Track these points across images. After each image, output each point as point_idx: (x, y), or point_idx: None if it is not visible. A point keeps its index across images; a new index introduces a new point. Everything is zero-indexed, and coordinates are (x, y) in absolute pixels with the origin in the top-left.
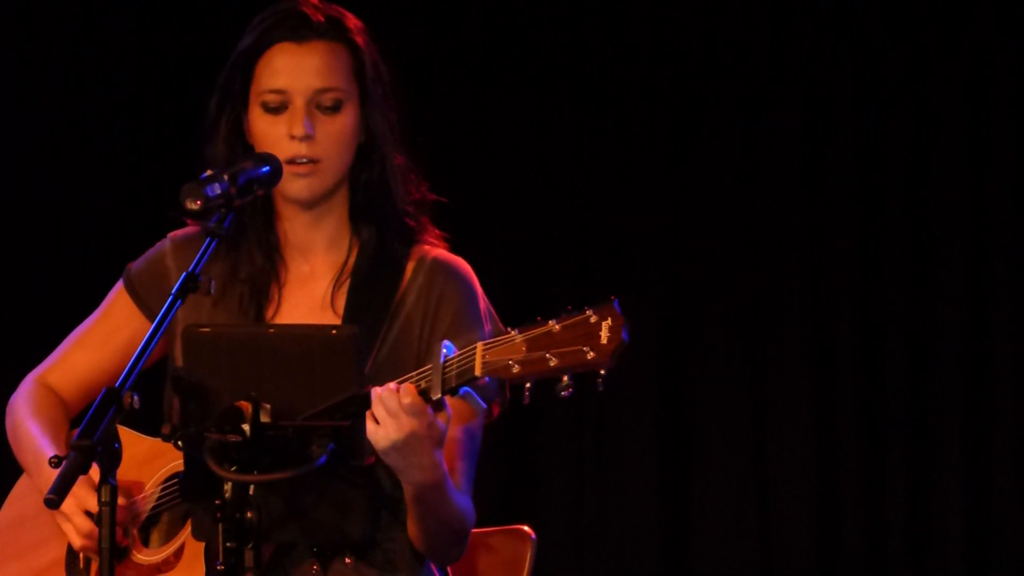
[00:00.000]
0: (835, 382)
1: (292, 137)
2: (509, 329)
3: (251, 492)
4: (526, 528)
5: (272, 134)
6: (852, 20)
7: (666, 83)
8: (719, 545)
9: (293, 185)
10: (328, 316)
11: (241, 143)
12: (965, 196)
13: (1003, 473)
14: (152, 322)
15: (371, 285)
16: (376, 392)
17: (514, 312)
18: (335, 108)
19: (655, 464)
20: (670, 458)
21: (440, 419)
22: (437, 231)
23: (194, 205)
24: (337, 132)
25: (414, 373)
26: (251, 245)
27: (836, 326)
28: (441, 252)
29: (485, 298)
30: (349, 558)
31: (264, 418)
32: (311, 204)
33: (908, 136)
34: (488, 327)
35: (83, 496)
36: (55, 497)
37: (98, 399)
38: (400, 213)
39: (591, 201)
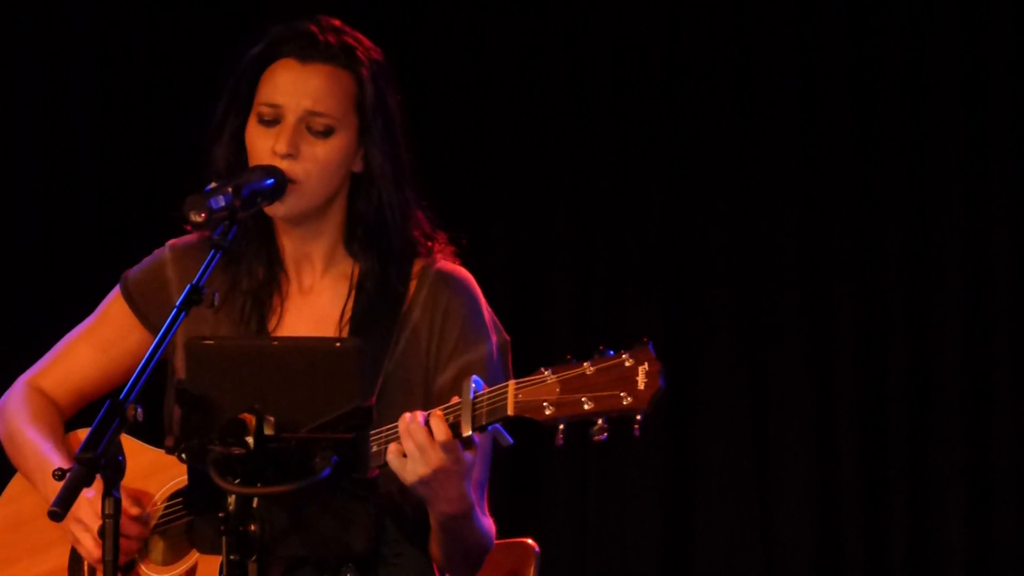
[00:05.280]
0: (836, 396)
1: (275, 153)
2: (542, 369)
3: (255, 505)
4: (529, 541)
5: (260, 146)
6: (850, 20)
7: (664, 89)
8: (721, 559)
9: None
10: (333, 331)
11: (244, 149)
12: (964, 201)
13: (1004, 488)
14: (150, 331)
15: (376, 300)
16: (404, 427)
17: (514, 321)
18: (325, 133)
19: (658, 477)
20: (672, 471)
21: (468, 453)
22: (446, 246)
23: (198, 217)
24: (322, 156)
25: (441, 407)
26: (252, 257)
27: (836, 339)
28: (444, 264)
29: (489, 308)
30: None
31: (268, 430)
32: (293, 221)
33: (906, 140)
34: (494, 338)
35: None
36: (59, 510)
37: (102, 411)
38: (397, 245)
39: (590, 212)
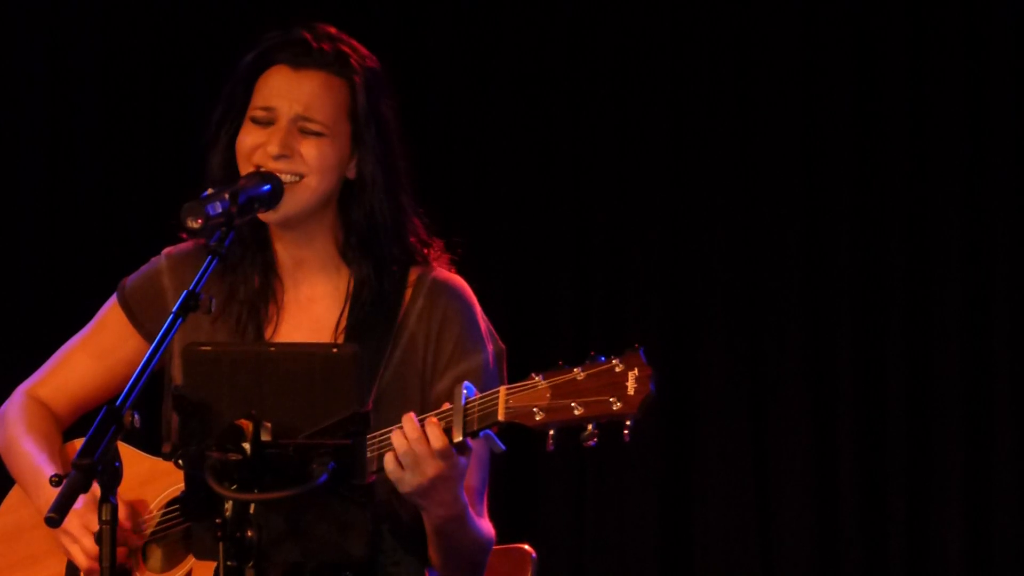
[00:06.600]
0: (834, 399)
1: (268, 154)
2: (533, 375)
3: (252, 511)
4: (526, 547)
5: (249, 143)
6: (850, 22)
7: (663, 94)
8: (720, 564)
9: None
10: (329, 340)
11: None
12: (964, 202)
13: (1004, 490)
14: (147, 340)
15: (371, 309)
16: (401, 436)
17: (512, 328)
18: (317, 135)
19: (655, 482)
20: (670, 476)
21: (462, 457)
22: (443, 254)
23: (195, 223)
24: (316, 155)
25: (433, 413)
26: (247, 265)
27: (835, 343)
28: (440, 272)
29: (484, 317)
30: None
31: (265, 437)
32: (288, 227)
33: (907, 142)
34: (490, 346)
35: (89, 517)
36: (56, 516)
37: (99, 417)
38: (392, 253)
39: (589, 217)
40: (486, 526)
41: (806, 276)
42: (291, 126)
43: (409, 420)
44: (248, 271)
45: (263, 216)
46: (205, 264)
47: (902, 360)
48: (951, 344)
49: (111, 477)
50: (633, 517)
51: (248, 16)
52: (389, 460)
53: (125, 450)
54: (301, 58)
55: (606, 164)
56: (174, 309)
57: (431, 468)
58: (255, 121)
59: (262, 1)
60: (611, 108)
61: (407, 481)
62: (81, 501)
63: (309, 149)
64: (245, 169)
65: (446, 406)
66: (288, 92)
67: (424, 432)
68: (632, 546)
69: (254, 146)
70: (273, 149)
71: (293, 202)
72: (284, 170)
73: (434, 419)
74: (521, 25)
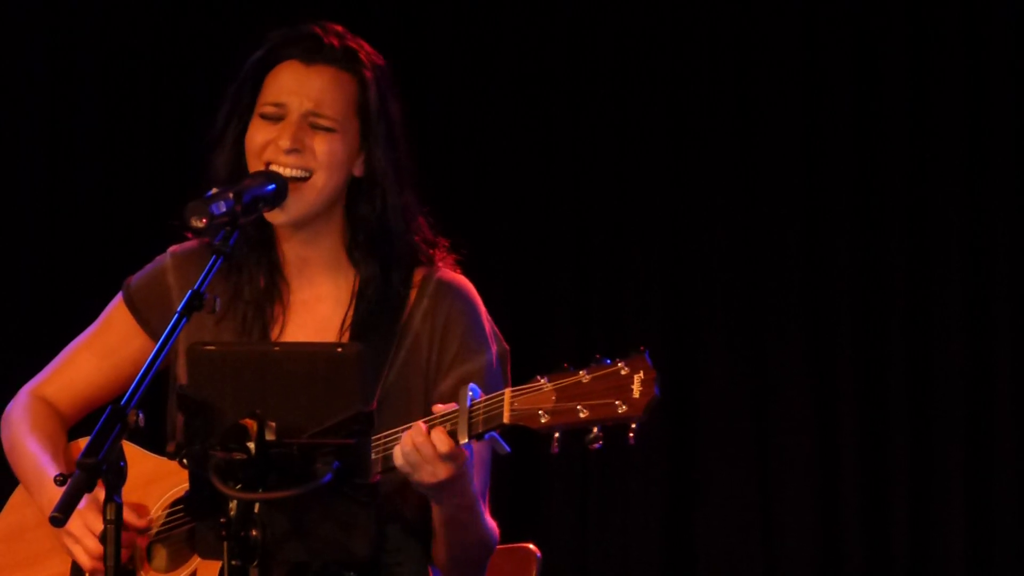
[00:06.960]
0: (836, 402)
1: (279, 148)
2: (538, 377)
3: (256, 510)
4: (531, 546)
5: (259, 139)
6: (850, 22)
7: (663, 95)
8: (722, 564)
9: None
10: (334, 339)
11: (245, 155)
12: (964, 202)
13: (1004, 490)
14: (152, 338)
15: (376, 309)
16: (411, 439)
17: (514, 329)
18: (328, 130)
19: (659, 482)
20: (674, 476)
21: (469, 448)
22: (448, 254)
23: (199, 223)
24: (327, 150)
25: (438, 416)
26: (252, 265)
27: (836, 345)
28: (445, 273)
29: (489, 318)
30: None
31: (269, 436)
32: (295, 226)
33: (907, 142)
34: (494, 347)
35: (92, 519)
36: (60, 515)
37: (103, 416)
38: (398, 252)
39: (591, 218)
40: (491, 525)
41: (806, 276)
42: (302, 121)
43: (416, 426)
44: (253, 271)
45: (271, 217)
46: (210, 263)
47: (902, 360)
48: (951, 344)
49: (116, 476)
50: (636, 517)
51: (249, 16)
52: (398, 457)
53: (130, 449)
54: (312, 54)
55: (606, 164)
56: (179, 308)
57: (441, 470)
58: (264, 117)
59: (263, 1)
60: (611, 108)
61: (416, 480)
62: (84, 501)
63: (320, 144)
64: (255, 166)
65: (450, 406)
66: (299, 88)
67: (430, 438)
68: (635, 546)
69: (265, 142)
70: (285, 143)
71: (301, 203)
72: (295, 165)
73: (441, 428)
74: (521, 25)
